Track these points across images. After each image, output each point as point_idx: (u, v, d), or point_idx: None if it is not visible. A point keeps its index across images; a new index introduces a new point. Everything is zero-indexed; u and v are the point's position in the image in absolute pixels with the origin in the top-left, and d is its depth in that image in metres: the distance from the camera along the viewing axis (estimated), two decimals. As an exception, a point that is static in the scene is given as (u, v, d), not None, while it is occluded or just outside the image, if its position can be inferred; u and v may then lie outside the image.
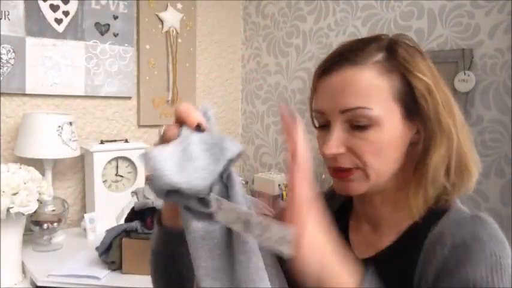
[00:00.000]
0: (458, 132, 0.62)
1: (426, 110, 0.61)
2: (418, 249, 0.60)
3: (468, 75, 1.40)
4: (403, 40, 0.64)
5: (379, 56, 0.62)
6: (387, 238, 0.65)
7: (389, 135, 0.61)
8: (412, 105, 0.61)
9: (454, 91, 1.43)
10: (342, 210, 0.76)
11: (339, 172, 0.63)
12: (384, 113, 0.60)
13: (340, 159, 0.62)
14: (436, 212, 0.62)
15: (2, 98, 1.59)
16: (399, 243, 0.64)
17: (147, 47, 1.94)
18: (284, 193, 1.79)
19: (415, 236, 0.62)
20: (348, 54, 0.62)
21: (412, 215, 0.62)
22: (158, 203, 1.28)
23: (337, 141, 0.61)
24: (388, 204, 0.66)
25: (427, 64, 0.63)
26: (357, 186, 0.63)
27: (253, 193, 1.96)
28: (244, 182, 2.05)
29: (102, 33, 1.79)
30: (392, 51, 0.62)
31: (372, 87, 0.61)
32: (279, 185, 1.88)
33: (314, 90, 0.66)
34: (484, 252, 0.55)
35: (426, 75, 0.61)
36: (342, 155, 0.62)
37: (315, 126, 0.68)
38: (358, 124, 0.60)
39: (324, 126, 0.65)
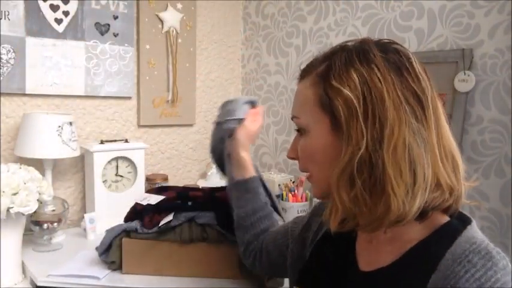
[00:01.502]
0: (379, 150, 0.56)
1: (340, 122, 0.59)
2: (417, 279, 0.58)
3: (468, 75, 1.40)
4: (354, 47, 0.62)
5: (321, 67, 0.64)
6: (390, 254, 0.64)
7: (318, 144, 0.64)
8: (335, 116, 0.61)
9: (454, 91, 1.43)
10: None
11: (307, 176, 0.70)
12: (311, 121, 0.64)
13: (298, 164, 0.71)
14: (444, 233, 0.60)
15: (2, 98, 1.59)
16: (400, 264, 0.62)
17: (147, 47, 1.94)
18: (284, 193, 1.79)
19: (417, 261, 0.60)
20: (304, 68, 0.70)
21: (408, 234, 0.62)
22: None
23: (293, 146, 0.71)
24: None
25: (365, 74, 0.59)
26: (313, 190, 0.70)
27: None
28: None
29: (102, 33, 1.79)
30: (331, 61, 0.63)
31: (301, 97, 0.68)
32: (279, 185, 1.88)
33: None
34: None
35: (350, 87, 0.58)
36: (299, 161, 0.70)
37: None
38: (300, 131, 0.68)
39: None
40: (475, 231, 0.60)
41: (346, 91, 0.59)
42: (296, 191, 1.77)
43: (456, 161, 0.62)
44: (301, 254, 0.83)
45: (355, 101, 0.58)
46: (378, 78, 0.58)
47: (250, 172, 1.00)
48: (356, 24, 1.77)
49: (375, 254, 0.66)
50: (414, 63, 0.62)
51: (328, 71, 0.62)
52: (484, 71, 1.39)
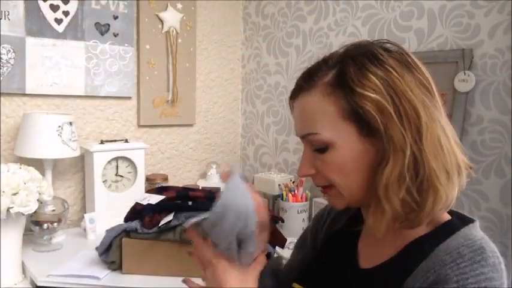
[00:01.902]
0: (420, 147, 0.57)
1: (376, 127, 0.58)
2: (411, 265, 0.59)
3: (468, 75, 1.40)
4: (359, 51, 0.62)
5: (329, 76, 0.62)
6: (389, 250, 0.64)
7: (347, 155, 0.61)
8: (365, 122, 0.59)
9: (454, 91, 1.43)
10: (355, 217, 0.75)
11: (322, 188, 0.67)
12: (335, 134, 0.61)
13: (314, 179, 0.67)
14: (443, 230, 0.61)
15: (2, 98, 1.59)
16: (398, 259, 0.63)
17: (147, 47, 1.94)
18: (284, 193, 1.79)
19: (414, 256, 0.60)
20: (304, 80, 0.66)
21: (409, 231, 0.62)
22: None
23: (306, 164, 0.66)
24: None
25: (384, 76, 0.59)
26: (337, 202, 0.67)
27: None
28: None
29: (102, 33, 1.79)
30: (341, 68, 0.61)
31: (316, 112, 0.62)
32: (279, 185, 1.88)
33: None
34: None
35: (376, 91, 0.58)
36: (315, 175, 0.66)
37: None
38: (316, 147, 0.64)
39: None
40: (475, 230, 0.60)
41: (374, 95, 0.58)
42: (296, 191, 1.77)
43: (458, 142, 0.64)
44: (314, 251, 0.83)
45: (385, 103, 0.57)
46: (397, 78, 0.59)
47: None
48: (356, 24, 1.77)
49: (374, 251, 0.67)
50: (412, 57, 0.63)
51: (342, 78, 0.60)
52: (484, 71, 1.39)
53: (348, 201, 0.65)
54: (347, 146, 0.61)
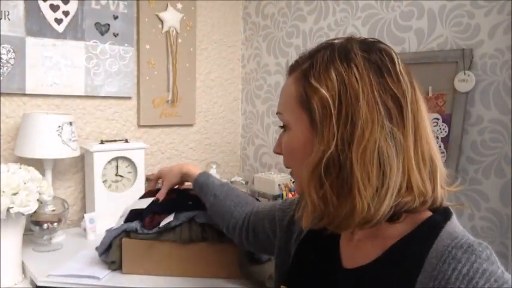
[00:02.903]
0: (348, 152, 0.56)
1: (316, 121, 0.59)
2: (403, 278, 0.58)
3: (468, 75, 1.40)
4: (339, 45, 0.63)
5: (306, 64, 0.65)
6: (373, 250, 0.64)
7: (297, 141, 0.65)
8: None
9: (454, 91, 1.43)
10: None
11: None
12: (293, 118, 0.65)
13: (283, 160, 0.71)
14: (426, 228, 0.60)
15: (2, 98, 1.59)
16: (384, 261, 0.62)
17: (147, 47, 1.94)
18: (284, 193, 1.79)
19: (400, 259, 0.60)
20: (294, 63, 0.69)
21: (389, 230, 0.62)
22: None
23: (278, 141, 0.72)
24: None
25: (344, 73, 0.58)
26: (295, 187, 0.72)
27: (253, 193, 1.96)
28: (244, 182, 2.05)
29: (102, 33, 1.79)
30: (313, 59, 0.63)
31: (285, 94, 0.68)
32: (279, 185, 1.88)
33: None
34: None
35: (327, 87, 0.58)
36: (283, 156, 0.71)
37: None
38: (283, 127, 0.69)
39: None
40: (455, 225, 0.60)
41: (323, 91, 0.59)
42: (296, 191, 1.77)
43: (435, 165, 0.61)
44: (287, 247, 0.83)
45: (330, 101, 0.58)
46: (356, 78, 0.58)
47: (193, 174, 1.16)
48: (356, 24, 1.77)
49: (356, 251, 0.66)
50: (397, 64, 0.60)
51: (310, 69, 0.63)
52: (484, 71, 1.39)
53: (300, 188, 0.69)
54: (299, 132, 0.64)
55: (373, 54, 0.60)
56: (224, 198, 1.08)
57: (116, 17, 1.82)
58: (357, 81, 0.57)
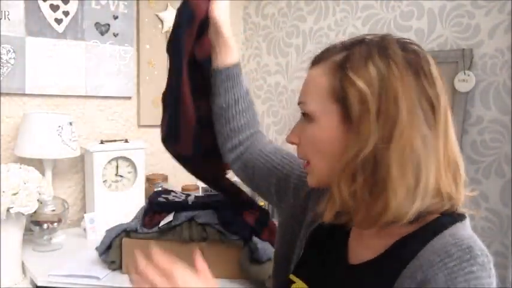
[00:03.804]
0: (385, 151, 0.56)
1: (352, 115, 0.58)
2: (398, 264, 0.58)
3: (468, 75, 1.40)
4: (376, 41, 0.61)
5: (339, 56, 0.62)
6: (379, 246, 0.64)
7: (324, 134, 0.62)
8: (348, 108, 0.59)
9: (454, 91, 1.43)
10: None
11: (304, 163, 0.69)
12: (320, 110, 0.62)
13: (297, 151, 0.69)
14: (431, 228, 0.60)
15: (2, 98, 1.59)
16: (386, 257, 0.62)
17: (147, 47, 1.94)
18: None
19: (403, 253, 0.60)
20: (320, 53, 0.66)
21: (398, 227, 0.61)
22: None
23: (294, 131, 0.68)
24: None
25: (384, 70, 0.58)
26: (309, 179, 0.68)
27: (254, 193, 1.95)
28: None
29: (102, 33, 1.79)
30: (349, 51, 0.61)
31: (312, 84, 0.65)
32: (279, 185, 1.88)
33: None
34: None
35: (367, 82, 0.57)
36: (298, 146, 0.68)
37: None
38: (305, 117, 0.65)
39: None
40: (464, 229, 0.59)
41: (362, 85, 0.57)
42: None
43: (459, 171, 0.62)
44: (297, 227, 0.80)
45: (369, 97, 0.57)
46: (395, 76, 0.57)
47: (234, 57, 0.89)
48: (356, 24, 1.77)
49: (363, 247, 0.67)
50: (432, 66, 0.61)
51: (345, 61, 0.60)
52: (484, 71, 1.39)
53: (317, 181, 0.67)
54: (328, 125, 0.62)
55: (410, 54, 0.60)
56: (247, 108, 0.92)
57: (115, 17, 1.82)
58: (397, 79, 0.57)
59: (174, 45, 0.93)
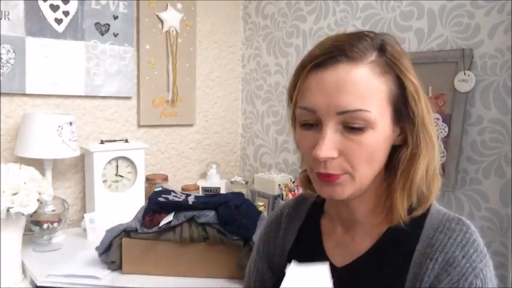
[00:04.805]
0: (422, 149, 0.61)
1: (415, 113, 0.60)
2: (400, 256, 0.61)
3: (468, 75, 1.40)
4: (389, 39, 0.64)
5: (373, 55, 0.59)
6: (364, 242, 0.65)
7: (381, 139, 0.59)
8: (402, 108, 0.60)
9: (454, 91, 1.43)
10: (312, 213, 0.74)
11: (326, 176, 0.59)
12: (379, 115, 0.58)
13: (329, 165, 0.59)
14: (413, 217, 0.62)
15: (2, 98, 1.59)
16: (378, 248, 0.63)
17: (147, 47, 1.94)
18: (284, 193, 1.79)
19: (395, 241, 0.63)
20: (345, 50, 0.58)
21: (391, 219, 0.63)
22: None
23: (331, 144, 0.57)
24: (365, 207, 0.66)
25: (411, 65, 0.62)
26: (342, 191, 0.60)
27: (253, 193, 1.96)
28: (244, 182, 2.05)
29: (102, 33, 1.79)
30: (383, 51, 0.61)
31: (370, 89, 0.57)
32: (279, 185, 1.88)
33: (301, 84, 0.61)
34: (475, 275, 0.57)
35: (414, 77, 0.60)
36: (332, 159, 0.58)
37: (295, 124, 0.64)
38: (353, 126, 0.57)
39: (310, 125, 0.60)
40: (436, 205, 0.66)
41: (416, 82, 0.60)
42: (296, 191, 1.77)
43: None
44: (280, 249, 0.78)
45: (416, 97, 0.60)
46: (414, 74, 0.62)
47: None
48: (356, 24, 1.77)
49: (347, 247, 0.67)
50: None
51: (392, 61, 0.60)
52: (484, 71, 1.39)
53: (355, 189, 0.60)
54: (383, 130, 0.59)
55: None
56: None
57: (115, 17, 1.82)
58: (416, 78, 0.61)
59: None
